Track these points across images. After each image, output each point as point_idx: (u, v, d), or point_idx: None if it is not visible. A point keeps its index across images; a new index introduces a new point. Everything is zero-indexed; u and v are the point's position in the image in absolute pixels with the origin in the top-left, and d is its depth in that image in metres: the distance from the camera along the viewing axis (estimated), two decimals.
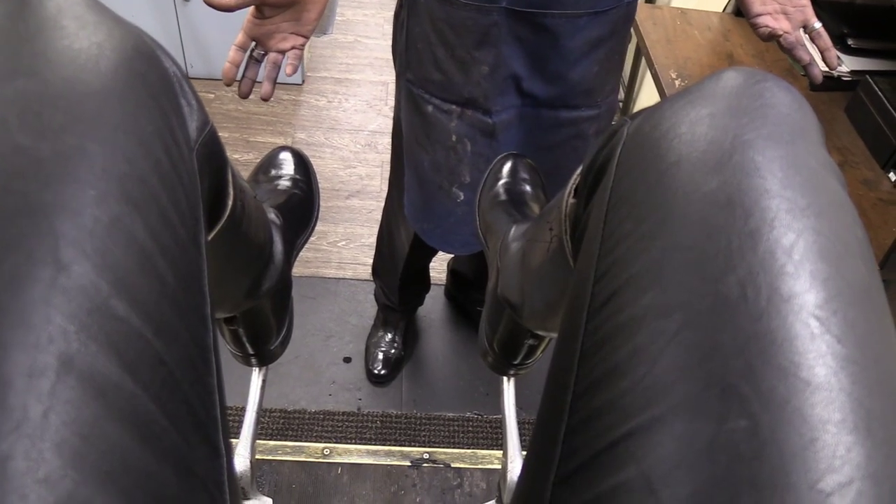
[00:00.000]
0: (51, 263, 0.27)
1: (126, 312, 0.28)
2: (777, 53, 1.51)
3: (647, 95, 2.35)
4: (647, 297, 0.32)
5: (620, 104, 2.56)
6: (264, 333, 0.80)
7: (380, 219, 1.57)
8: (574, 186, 0.50)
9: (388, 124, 2.50)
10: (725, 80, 0.37)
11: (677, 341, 0.30)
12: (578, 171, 0.49)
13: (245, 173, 0.91)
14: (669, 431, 0.28)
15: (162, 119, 0.35)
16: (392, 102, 2.57)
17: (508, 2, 0.96)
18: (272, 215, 0.74)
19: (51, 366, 0.25)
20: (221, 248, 0.51)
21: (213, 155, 0.42)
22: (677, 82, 1.44)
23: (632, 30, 2.14)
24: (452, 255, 1.83)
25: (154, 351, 0.29)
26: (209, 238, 0.46)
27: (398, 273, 1.53)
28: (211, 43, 2.54)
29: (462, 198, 1.16)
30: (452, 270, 1.84)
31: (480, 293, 1.73)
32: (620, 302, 0.33)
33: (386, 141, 2.42)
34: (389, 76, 2.71)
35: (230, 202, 0.48)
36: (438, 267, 1.94)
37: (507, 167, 0.94)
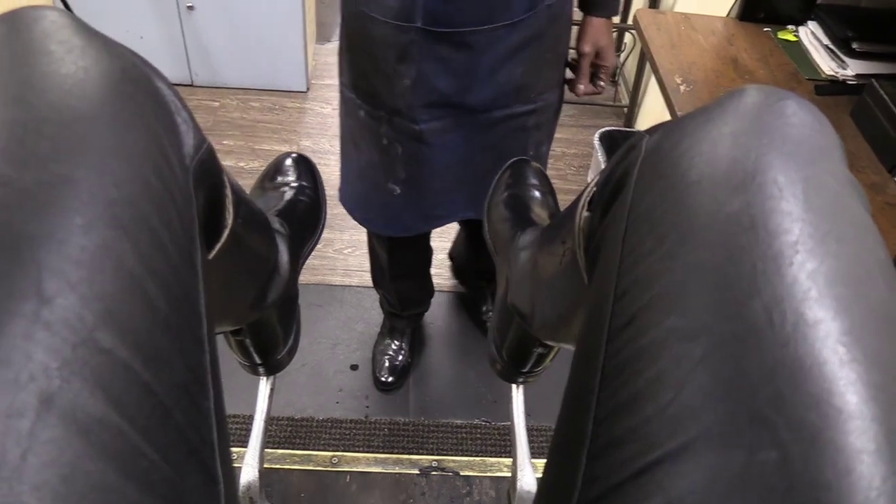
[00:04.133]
0: (33, 297, 0.26)
1: (112, 344, 0.28)
2: (781, 57, 1.51)
3: (651, 101, 2.34)
4: (669, 321, 0.31)
5: (625, 110, 2.56)
6: (271, 343, 0.79)
7: None
8: (588, 199, 0.50)
9: None
10: (746, 99, 0.37)
11: (702, 367, 0.29)
12: (593, 182, 0.49)
13: (251, 181, 0.91)
14: (697, 461, 0.28)
15: (152, 140, 0.34)
16: None
17: (423, 22, 0.98)
18: (277, 225, 0.74)
19: (30, 405, 0.25)
20: (224, 265, 0.50)
21: (209, 172, 0.42)
22: (682, 87, 1.44)
23: (634, 36, 2.13)
24: (451, 244, 1.86)
25: (142, 382, 0.29)
26: (211, 256, 0.46)
27: (387, 275, 1.54)
28: (215, 51, 2.55)
29: (398, 191, 1.20)
30: (450, 255, 1.89)
31: (477, 280, 1.79)
32: (642, 324, 0.33)
33: None
34: None
35: (230, 219, 0.48)
36: (445, 273, 1.94)
37: (515, 173, 0.94)
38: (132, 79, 0.35)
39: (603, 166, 1.76)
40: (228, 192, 0.47)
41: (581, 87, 1.19)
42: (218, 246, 0.47)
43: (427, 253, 1.59)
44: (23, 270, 0.27)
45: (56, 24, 0.34)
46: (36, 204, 0.28)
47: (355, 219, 1.32)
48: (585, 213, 0.50)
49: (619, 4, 1.19)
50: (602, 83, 1.20)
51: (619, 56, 2.62)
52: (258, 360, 0.80)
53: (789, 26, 1.60)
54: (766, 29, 1.60)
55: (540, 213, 0.89)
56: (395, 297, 1.61)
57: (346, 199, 1.33)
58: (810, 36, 1.53)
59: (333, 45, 2.91)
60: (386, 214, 1.26)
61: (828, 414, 0.26)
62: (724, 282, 0.31)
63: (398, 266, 1.49)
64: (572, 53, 1.21)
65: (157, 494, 0.28)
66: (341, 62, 1.15)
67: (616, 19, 1.19)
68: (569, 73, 1.23)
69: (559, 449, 0.39)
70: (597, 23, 1.16)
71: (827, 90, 1.38)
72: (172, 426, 0.30)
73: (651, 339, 0.32)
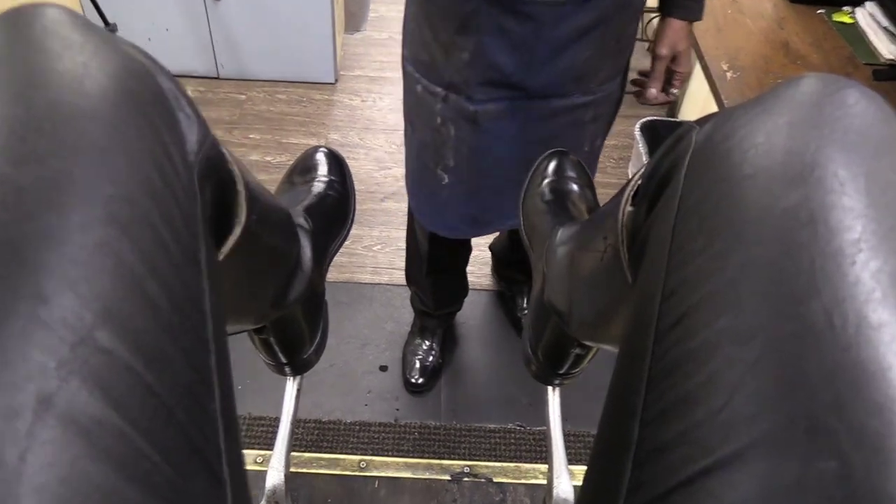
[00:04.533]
0: (31, 296, 0.26)
1: (112, 343, 0.28)
2: (835, 41, 1.48)
3: (696, 88, 2.31)
4: (721, 321, 0.31)
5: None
6: (297, 341, 0.80)
7: None
8: (632, 193, 0.49)
9: None
10: (804, 87, 0.36)
11: (757, 370, 0.29)
12: (637, 175, 0.49)
13: (278, 176, 0.92)
14: (751, 469, 0.27)
15: (153, 136, 0.35)
16: None
17: None
18: (301, 219, 0.74)
19: (28, 405, 0.25)
20: (240, 262, 0.51)
21: (216, 168, 0.42)
22: (729, 74, 1.42)
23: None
24: (494, 236, 1.87)
25: (144, 382, 0.29)
26: (224, 254, 0.46)
27: (424, 270, 1.54)
28: (241, 43, 2.57)
29: (446, 180, 1.21)
30: (490, 248, 1.90)
31: (515, 272, 1.80)
32: (692, 324, 0.33)
33: None
34: None
35: (244, 216, 0.48)
36: (478, 272, 1.93)
37: (552, 165, 0.93)
38: (132, 73, 0.36)
39: (645, 158, 1.74)
40: (241, 187, 0.47)
41: (652, 92, 1.17)
42: (230, 243, 0.47)
43: (467, 250, 1.60)
44: (21, 270, 0.27)
45: (55, 20, 0.35)
46: (35, 202, 0.28)
47: (410, 205, 1.36)
48: (629, 208, 0.50)
49: (703, 8, 1.15)
50: (674, 91, 1.18)
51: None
52: (284, 360, 0.80)
53: (845, 7, 1.56)
54: (819, 11, 1.57)
55: (578, 208, 0.88)
56: (430, 293, 1.62)
57: (407, 182, 1.36)
58: (868, 17, 1.50)
59: (363, 35, 2.92)
60: (432, 205, 1.28)
61: (892, 421, 0.26)
62: (781, 280, 0.30)
63: (437, 260, 1.50)
64: (635, 61, 1.20)
65: (160, 496, 0.28)
66: (404, 34, 1.17)
67: (653, 1, 1.16)
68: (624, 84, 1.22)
69: (602, 454, 0.39)
70: (677, 25, 1.14)
71: (886, 75, 1.34)
72: (176, 428, 0.31)
73: (701, 340, 0.32)
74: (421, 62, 1.11)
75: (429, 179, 1.23)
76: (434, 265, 1.52)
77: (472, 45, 1.03)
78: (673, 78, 1.17)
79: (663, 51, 1.14)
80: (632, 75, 1.23)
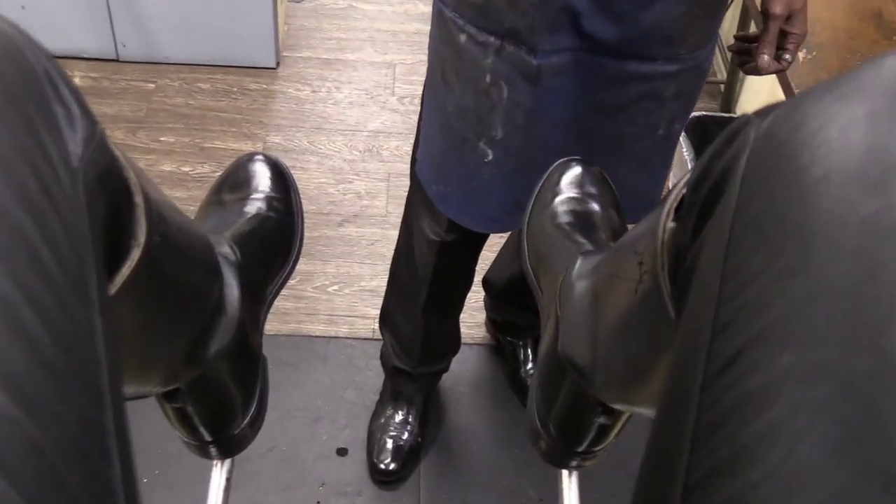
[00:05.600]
0: None
1: None
2: None
3: None
4: (785, 357, 0.33)
5: (721, 87, 2.56)
6: (224, 411, 0.80)
7: (389, 251, 1.60)
8: (675, 205, 0.51)
9: (394, 122, 2.52)
10: (888, 69, 0.37)
11: (826, 415, 0.31)
12: (681, 183, 0.50)
13: (200, 192, 0.92)
14: None
15: (27, 132, 0.36)
16: (399, 88, 2.60)
17: None
18: (225, 248, 0.75)
19: None
20: (139, 298, 0.52)
21: (108, 175, 0.44)
22: (801, 54, 1.44)
23: None
24: (490, 265, 1.88)
25: (25, 435, 0.30)
26: (118, 286, 0.47)
27: (420, 303, 1.55)
28: (148, 18, 2.58)
29: (490, 157, 1.25)
30: (485, 281, 1.89)
31: (513, 311, 1.81)
32: (749, 362, 0.35)
33: (393, 144, 2.44)
34: (396, 55, 2.74)
35: (142, 236, 0.49)
36: (469, 319, 1.93)
37: (567, 177, 0.95)
38: (1, 53, 0.37)
39: (690, 164, 1.76)
40: (139, 199, 0.49)
41: (765, 59, 1.23)
42: (126, 271, 0.48)
43: (471, 278, 1.63)
44: None
45: None
46: None
47: (430, 193, 1.38)
48: (671, 224, 0.51)
49: None
50: (788, 56, 1.26)
51: None
52: (207, 437, 0.80)
53: None
54: None
55: (602, 234, 0.90)
56: (420, 338, 1.63)
57: (423, 163, 1.39)
58: None
59: (314, 5, 2.95)
60: (465, 190, 1.31)
61: None
62: (857, 305, 0.32)
63: (441, 285, 1.53)
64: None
65: None
66: None
67: None
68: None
69: None
70: None
71: None
72: (69, 496, 0.31)
73: (760, 381, 0.34)
74: (469, 4, 1.16)
75: (466, 156, 1.27)
76: (436, 293, 1.54)
77: None
78: (786, 42, 1.23)
79: (777, 9, 1.20)
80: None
